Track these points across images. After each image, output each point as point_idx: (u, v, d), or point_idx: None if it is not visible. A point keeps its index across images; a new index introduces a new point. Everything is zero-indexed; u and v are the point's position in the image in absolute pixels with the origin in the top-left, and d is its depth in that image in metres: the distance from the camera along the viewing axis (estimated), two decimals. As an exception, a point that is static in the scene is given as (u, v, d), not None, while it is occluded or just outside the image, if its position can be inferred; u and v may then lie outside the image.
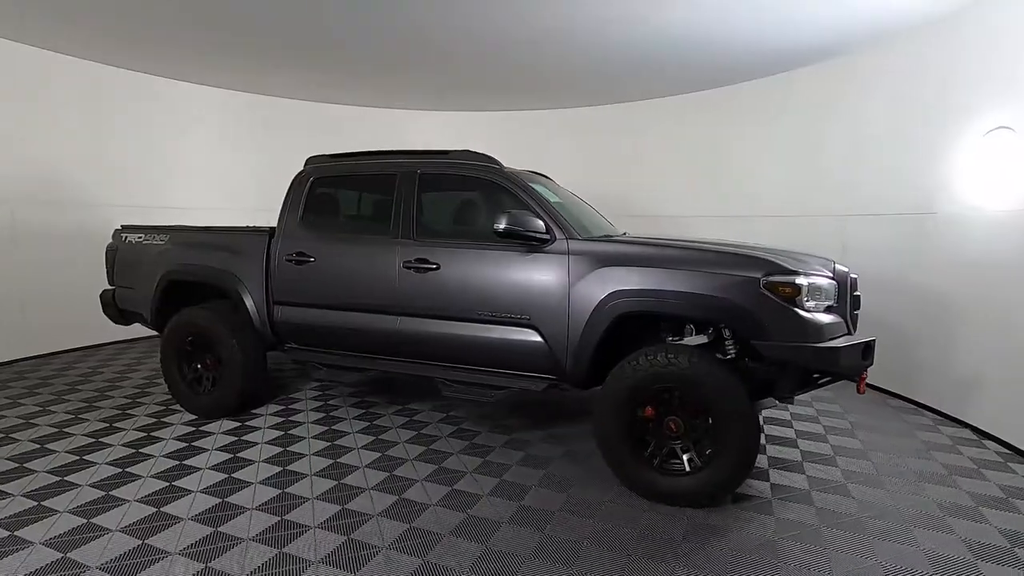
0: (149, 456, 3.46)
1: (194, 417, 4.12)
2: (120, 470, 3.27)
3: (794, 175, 5.93)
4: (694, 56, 5.55)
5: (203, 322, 3.99)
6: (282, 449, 3.59)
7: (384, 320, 3.56)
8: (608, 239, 3.30)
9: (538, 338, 3.17)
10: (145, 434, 3.81)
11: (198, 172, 7.15)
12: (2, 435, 3.75)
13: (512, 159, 3.70)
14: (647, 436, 2.98)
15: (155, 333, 4.87)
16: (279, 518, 2.77)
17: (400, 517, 2.79)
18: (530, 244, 3.18)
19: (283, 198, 4.00)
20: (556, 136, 7.84)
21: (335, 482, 3.16)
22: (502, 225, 3.06)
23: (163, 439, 3.73)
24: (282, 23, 4.92)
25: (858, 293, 3.10)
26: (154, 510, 2.82)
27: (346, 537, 2.61)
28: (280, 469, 3.31)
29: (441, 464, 3.41)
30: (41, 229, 5.77)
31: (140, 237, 4.39)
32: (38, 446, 3.59)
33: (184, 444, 3.65)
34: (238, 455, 3.49)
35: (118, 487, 3.06)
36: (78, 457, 3.43)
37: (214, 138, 7.26)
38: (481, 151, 3.64)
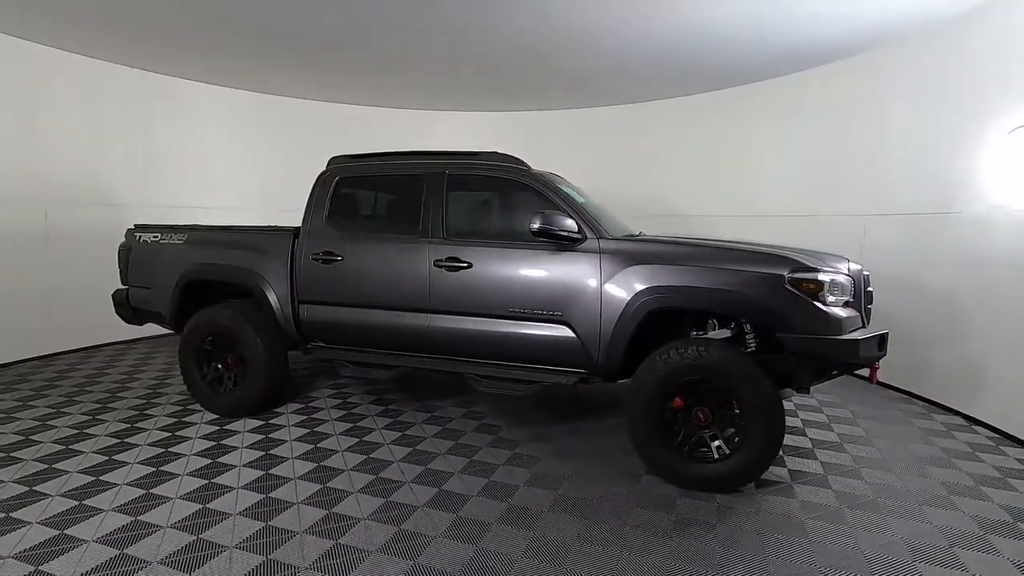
0: (180, 455, 3.47)
1: (215, 416, 4.12)
2: (154, 469, 3.27)
3: (811, 174, 5.91)
4: (707, 55, 5.54)
5: (226, 321, 4.00)
6: (312, 446, 3.64)
7: (414, 317, 3.63)
8: (637, 238, 3.44)
9: (571, 334, 3.30)
10: (169, 433, 3.80)
11: (209, 172, 7.15)
12: (21, 437, 3.70)
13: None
14: (676, 426, 3.13)
15: (162, 333, 4.83)
16: (327, 511, 2.83)
17: (445, 508, 2.88)
18: (562, 243, 3.30)
19: (307, 197, 4.03)
20: (562, 136, 7.87)
21: (373, 476, 3.23)
22: (537, 224, 3.18)
23: (189, 438, 3.73)
24: (285, 23, 4.94)
25: (871, 289, 3.31)
26: (200, 506, 2.85)
27: (397, 527, 2.69)
28: (315, 465, 3.36)
29: (472, 457, 3.50)
30: (41, 229, 5.67)
31: (156, 237, 4.37)
32: (62, 447, 3.56)
33: (212, 443, 3.66)
34: (270, 452, 3.53)
35: (157, 485, 3.07)
36: (107, 457, 3.42)
37: (224, 138, 7.25)
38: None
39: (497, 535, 2.65)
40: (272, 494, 3.00)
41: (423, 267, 3.58)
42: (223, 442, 3.68)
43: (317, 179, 4.04)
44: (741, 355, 2.97)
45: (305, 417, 4.16)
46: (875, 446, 3.77)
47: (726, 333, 3.32)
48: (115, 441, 3.67)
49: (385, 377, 3.81)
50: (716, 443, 3.06)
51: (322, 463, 3.39)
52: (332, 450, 3.58)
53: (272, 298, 3.95)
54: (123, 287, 4.55)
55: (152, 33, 5.27)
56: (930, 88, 4.73)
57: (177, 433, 3.81)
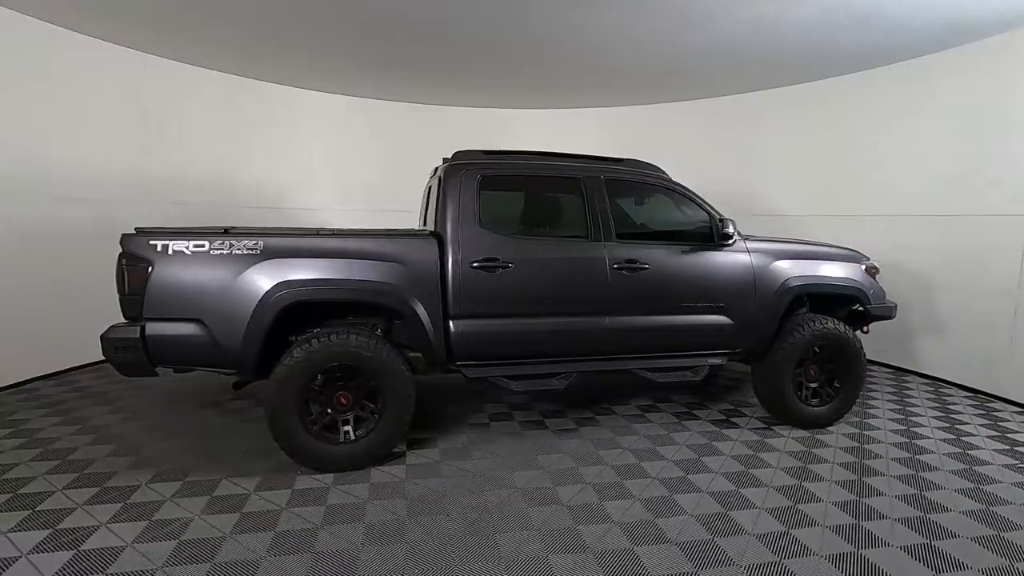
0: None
1: (311, 472, 3.24)
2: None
3: (951, 168, 5.15)
4: (827, 38, 4.91)
5: (359, 349, 3.17)
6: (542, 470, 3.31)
7: (593, 321, 3.62)
8: (768, 239, 4.14)
9: (729, 321, 3.87)
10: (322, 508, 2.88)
11: (306, 174, 7.33)
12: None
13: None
14: (800, 381, 4.06)
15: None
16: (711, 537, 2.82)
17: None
18: (721, 243, 3.83)
19: (439, 196, 3.48)
20: (647, 131, 7.62)
21: (666, 496, 3.23)
22: (731, 229, 3.66)
23: (349, 497, 2.92)
24: (381, 28, 4.98)
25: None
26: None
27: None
28: (606, 487, 3.13)
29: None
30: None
31: (199, 245, 3.05)
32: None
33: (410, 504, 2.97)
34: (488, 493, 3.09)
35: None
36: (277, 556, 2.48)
37: (320, 141, 7.39)
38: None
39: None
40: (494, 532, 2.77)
41: (603, 270, 3.61)
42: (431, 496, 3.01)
43: (449, 177, 3.51)
44: (844, 325, 4.07)
45: (441, 446, 3.62)
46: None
47: (804, 309, 4.39)
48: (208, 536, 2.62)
49: (563, 387, 3.65)
50: (821, 392, 4.12)
51: (626, 481, 3.18)
52: (585, 468, 3.34)
53: (423, 316, 3.31)
54: (127, 323, 3.04)
55: (262, 45, 5.49)
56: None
57: (332, 502, 2.91)
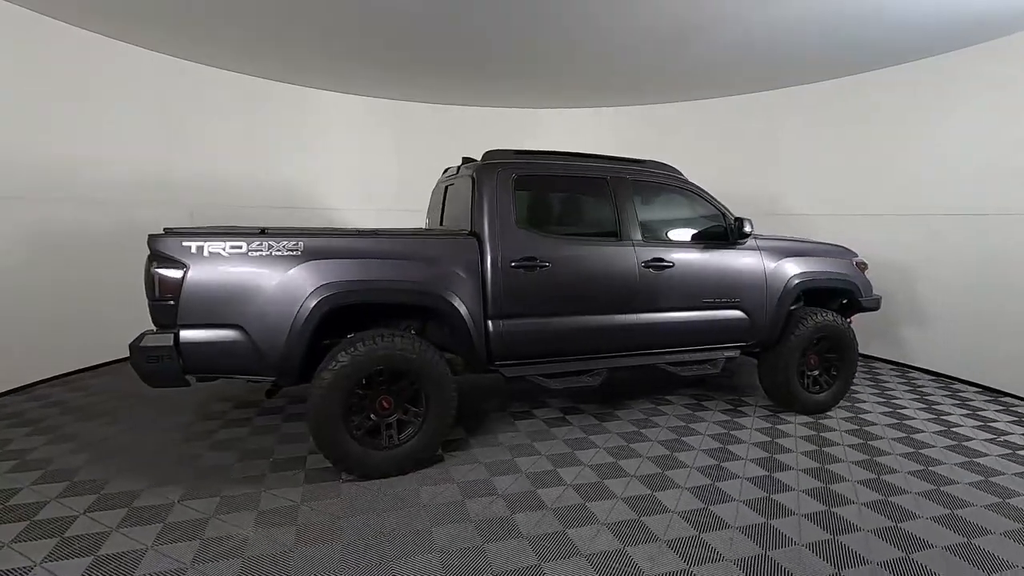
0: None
1: (348, 478, 3.16)
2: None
3: (978, 167, 5.01)
4: (850, 34, 4.80)
5: (408, 352, 3.10)
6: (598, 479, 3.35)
7: (624, 318, 3.71)
8: (773, 237, 4.37)
9: (743, 315, 4.08)
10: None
11: (329, 174, 7.26)
12: None
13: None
14: (802, 371, 4.33)
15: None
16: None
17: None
18: (736, 241, 4.03)
19: (474, 196, 3.45)
20: (656, 131, 7.62)
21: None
22: (748, 228, 3.86)
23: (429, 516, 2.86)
24: (395, 29, 4.92)
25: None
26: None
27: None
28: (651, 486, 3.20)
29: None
30: None
31: (236, 246, 2.89)
32: None
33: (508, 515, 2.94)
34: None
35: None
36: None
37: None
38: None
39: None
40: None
41: (633, 269, 3.70)
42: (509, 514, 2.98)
43: (484, 176, 3.49)
44: (841, 317, 4.38)
45: (478, 450, 3.59)
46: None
47: (800, 303, 4.68)
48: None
49: (597, 383, 3.71)
50: (820, 379, 4.41)
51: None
52: (624, 472, 3.39)
53: (466, 316, 3.28)
54: (159, 331, 2.83)
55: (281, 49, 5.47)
56: None
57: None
